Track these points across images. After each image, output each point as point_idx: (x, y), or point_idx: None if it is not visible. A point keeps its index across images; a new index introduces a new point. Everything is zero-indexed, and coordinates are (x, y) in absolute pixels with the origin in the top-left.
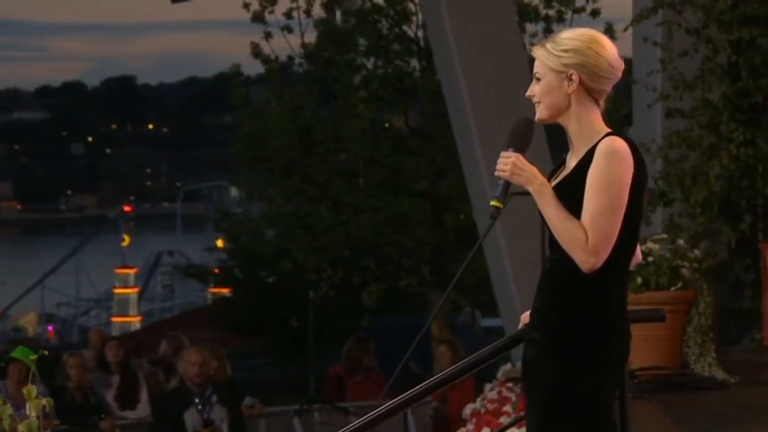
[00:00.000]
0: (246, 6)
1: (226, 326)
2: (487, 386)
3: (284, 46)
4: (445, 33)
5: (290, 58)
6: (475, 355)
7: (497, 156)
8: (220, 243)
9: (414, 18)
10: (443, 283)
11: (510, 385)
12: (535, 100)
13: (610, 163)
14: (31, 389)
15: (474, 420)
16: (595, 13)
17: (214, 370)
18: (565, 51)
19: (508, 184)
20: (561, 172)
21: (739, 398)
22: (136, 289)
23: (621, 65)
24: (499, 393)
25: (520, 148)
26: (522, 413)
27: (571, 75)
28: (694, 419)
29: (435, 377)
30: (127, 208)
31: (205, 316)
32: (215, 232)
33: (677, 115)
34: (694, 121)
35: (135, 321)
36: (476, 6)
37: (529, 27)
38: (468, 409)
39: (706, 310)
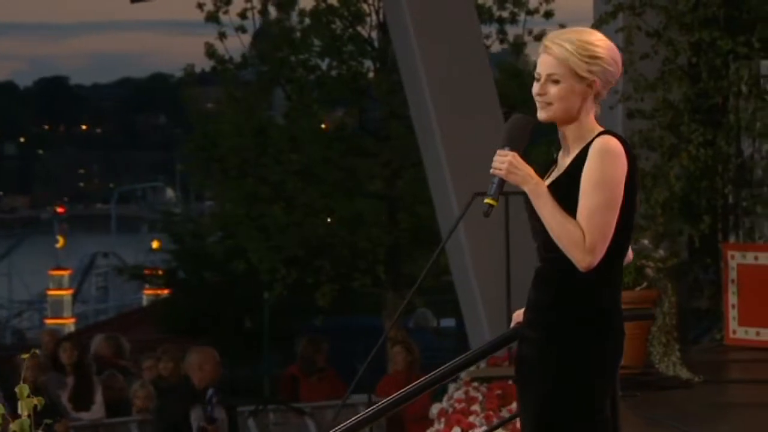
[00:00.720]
0: (200, 6)
1: (167, 327)
2: (452, 386)
3: (235, 46)
4: (407, 34)
5: (244, 58)
6: (465, 354)
7: (459, 156)
8: (155, 244)
9: (368, 19)
10: (398, 283)
11: (476, 384)
12: (546, 100)
13: (604, 161)
14: (23, 388)
15: (442, 420)
16: (548, 14)
17: (169, 371)
18: (593, 58)
19: (502, 182)
20: (553, 171)
21: (704, 397)
22: (69, 291)
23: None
24: (466, 393)
25: (517, 146)
26: (490, 411)
27: (592, 83)
28: (664, 419)
29: (425, 377)
30: (59, 210)
31: (144, 317)
32: (153, 232)
33: (638, 116)
34: (655, 121)
35: (69, 323)
36: (437, 7)
37: (483, 28)
38: (435, 409)
39: (671, 309)
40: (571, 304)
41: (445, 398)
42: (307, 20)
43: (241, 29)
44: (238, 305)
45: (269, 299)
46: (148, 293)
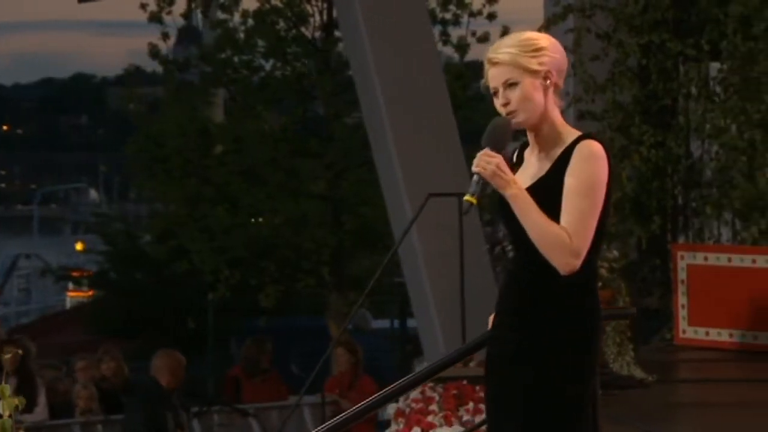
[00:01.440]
0: (143, 6)
1: (95, 329)
2: None
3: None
4: (360, 35)
5: (187, 59)
6: (440, 360)
7: (412, 158)
8: (79, 246)
9: (311, 20)
10: (341, 284)
11: (431, 385)
12: (510, 108)
13: (592, 165)
14: (5, 388)
15: (400, 420)
16: (491, 16)
17: (112, 371)
18: (538, 50)
19: (485, 182)
20: (516, 170)
21: (659, 397)
22: None
23: None
24: (422, 393)
25: (500, 149)
26: (448, 411)
27: (547, 74)
28: (625, 418)
29: (399, 382)
30: None
31: (69, 319)
32: (76, 234)
33: (589, 117)
34: (606, 123)
35: None
36: (390, 8)
37: None
38: (391, 409)
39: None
40: (549, 306)
41: (401, 398)
42: (251, 21)
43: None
44: (172, 306)
45: (213, 300)
46: (71, 295)
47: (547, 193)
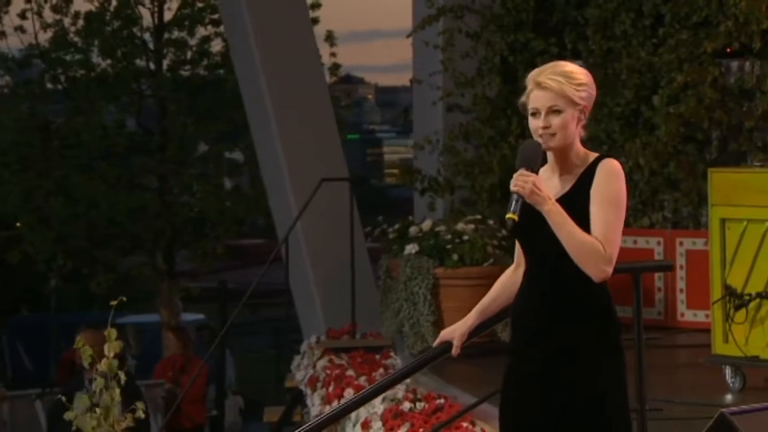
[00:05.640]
0: None
1: None
2: (297, 357)
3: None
4: (245, 31)
5: (26, 57)
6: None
7: (297, 157)
8: None
9: (140, 21)
10: (173, 272)
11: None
12: (551, 131)
13: (617, 181)
14: (111, 332)
15: (319, 385)
16: (314, 21)
17: None
18: (580, 85)
19: (523, 200)
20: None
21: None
22: None
23: None
24: (330, 361)
25: (535, 169)
26: (363, 375)
27: (584, 108)
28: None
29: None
30: None
31: None
32: None
33: (456, 110)
34: (474, 115)
35: None
36: (274, 9)
37: None
38: (300, 376)
39: None
40: (582, 315)
41: (302, 367)
42: (81, 22)
43: (21, 29)
44: None
45: (56, 288)
46: None
47: (573, 207)
